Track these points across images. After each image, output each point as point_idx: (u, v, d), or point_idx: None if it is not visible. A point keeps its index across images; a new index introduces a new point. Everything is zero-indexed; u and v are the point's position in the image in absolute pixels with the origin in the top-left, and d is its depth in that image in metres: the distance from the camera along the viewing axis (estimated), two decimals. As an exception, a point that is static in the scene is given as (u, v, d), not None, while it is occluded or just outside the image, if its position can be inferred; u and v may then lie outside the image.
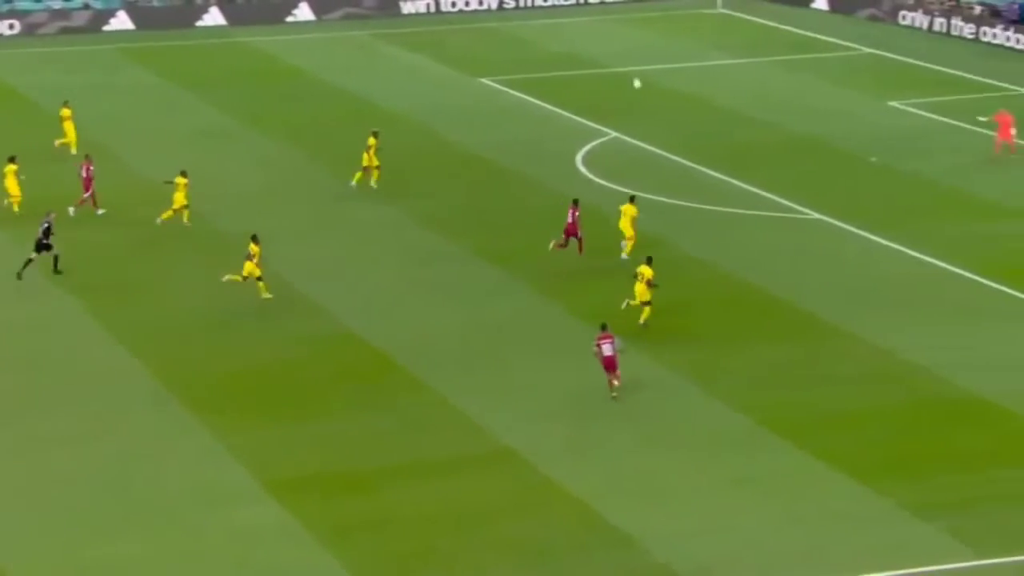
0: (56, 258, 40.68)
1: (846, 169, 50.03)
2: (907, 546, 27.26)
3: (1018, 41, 66.95)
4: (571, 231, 41.42)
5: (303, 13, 76.72)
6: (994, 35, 67.80)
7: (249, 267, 38.69)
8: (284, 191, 48.84)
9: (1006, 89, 60.50)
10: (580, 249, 41.43)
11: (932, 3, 71.93)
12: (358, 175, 47.86)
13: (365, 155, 47.69)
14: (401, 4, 77.70)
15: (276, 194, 48.38)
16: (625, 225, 41.71)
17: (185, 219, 44.36)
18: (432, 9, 77.93)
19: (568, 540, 27.79)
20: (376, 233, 44.82)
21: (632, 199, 42.41)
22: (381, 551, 27.47)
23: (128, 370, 35.20)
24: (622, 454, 30.93)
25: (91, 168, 45.65)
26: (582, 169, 50.80)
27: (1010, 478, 29.43)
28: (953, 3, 71.44)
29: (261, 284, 38.81)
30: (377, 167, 47.64)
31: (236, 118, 57.85)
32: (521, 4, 78.88)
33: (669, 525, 28.11)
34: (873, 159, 50.99)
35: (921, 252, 41.98)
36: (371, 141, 47.90)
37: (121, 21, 74.77)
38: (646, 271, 36.63)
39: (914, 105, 57.98)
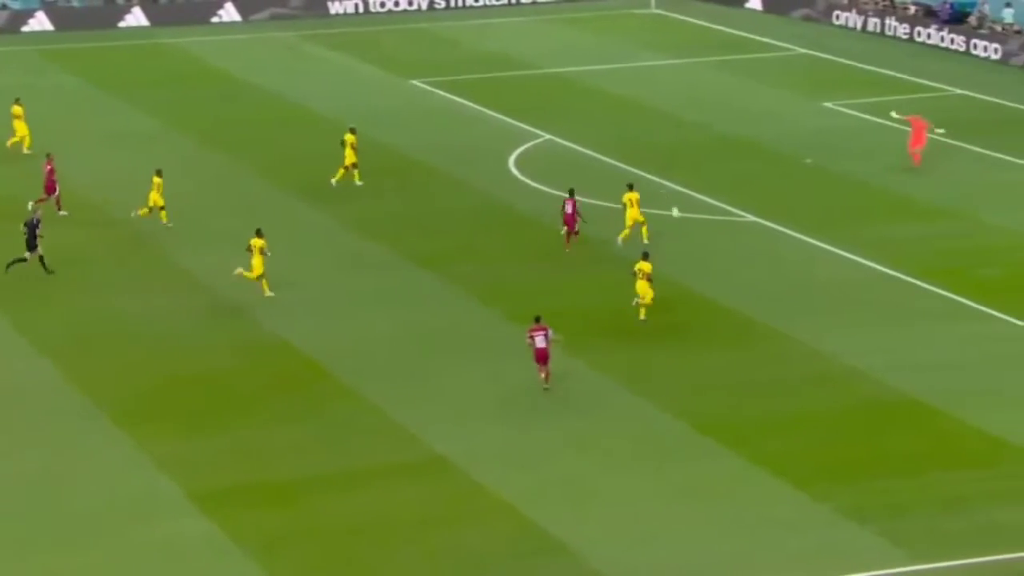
0: (42, 258, 40.67)
1: (781, 171, 50.43)
2: (843, 551, 27.50)
3: (952, 41, 67.75)
4: (570, 221, 42.20)
5: (229, 14, 76.38)
6: (928, 35, 68.57)
7: (257, 262, 38.89)
8: (210, 195, 48.58)
9: (940, 89, 61.21)
10: (574, 238, 42.20)
11: (866, 3, 72.65)
12: (340, 173, 48.22)
13: (348, 152, 48.05)
14: (329, 4, 77.52)
15: (202, 198, 48.11)
16: (634, 214, 42.37)
17: (164, 219, 44.48)
18: (361, 9, 77.80)
19: (502, 548, 27.82)
20: (306, 238, 44.67)
21: (631, 186, 43.00)
22: (310, 562, 27.38)
23: (51, 382, 34.88)
24: (557, 460, 31.00)
25: (52, 167, 45.64)
26: (515, 171, 50.90)
27: (945, 481, 29.76)
28: (887, 3, 72.18)
29: (254, 279, 39.11)
30: (355, 164, 48.04)
31: (161, 121, 57.50)
32: (451, 4, 78.92)
33: (604, 532, 28.20)
34: (808, 160, 51.41)
35: (856, 254, 42.39)
36: (349, 138, 48.29)
37: (40, 22, 74.13)
38: (646, 266, 37.09)
39: (848, 106, 58.53)
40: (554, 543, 27.81)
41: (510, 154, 52.45)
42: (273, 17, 76.56)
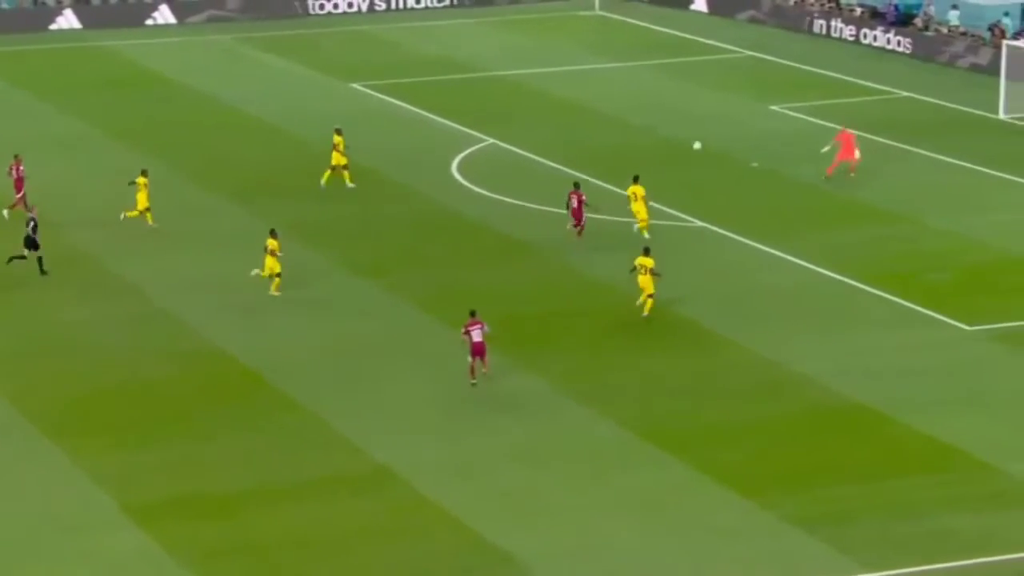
0: (40, 259, 41.16)
1: (728, 175, 50.65)
2: (791, 559, 27.66)
3: (898, 43, 68.33)
4: (577, 215, 43.12)
5: (164, 16, 75.97)
6: (875, 37, 69.11)
7: (271, 263, 39.22)
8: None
9: (887, 92, 61.70)
10: (581, 231, 43.30)
11: (812, 5, 73.15)
12: (327, 174, 48.48)
13: (334, 154, 48.27)
14: (268, 6, 77.26)
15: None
16: (640, 207, 43.24)
17: (149, 220, 44.67)
18: (300, 11, 77.59)
19: (447, 561, 27.80)
20: (243, 245, 44.45)
21: (636, 179, 43.70)
22: (251, 577, 27.28)
23: (-20, 392, 34.59)
24: (501, 470, 31.02)
25: (21, 168, 45.47)
26: (457, 176, 50.89)
27: (893, 487, 29.98)
28: (833, 5, 72.71)
29: (277, 280, 39.50)
30: (346, 166, 48.34)
31: (93, 125, 57.12)
32: (393, 6, 78.85)
33: (550, 543, 28.23)
34: (754, 164, 51.67)
35: (803, 259, 42.64)
36: (337, 139, 48.49)
37: (-34, 25, 73.47)
38: (648, 261, 37.62)
39: (795, 109, 58.89)
40: (499, 555, 27.81)
41: (453, 159, 52.44)
42: (210, 19, 76.17)
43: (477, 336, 34.10)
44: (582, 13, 78.53)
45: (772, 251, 43.36)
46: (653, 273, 37.69)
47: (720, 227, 44.81)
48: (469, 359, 34.36)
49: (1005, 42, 60.82)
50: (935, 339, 37.30)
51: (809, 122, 56.80)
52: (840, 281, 41.10)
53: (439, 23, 76.33)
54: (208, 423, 33.23)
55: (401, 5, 78.89)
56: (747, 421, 33.03)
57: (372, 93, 62.53)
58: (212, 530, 28.82)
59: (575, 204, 43.55)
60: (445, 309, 38.45)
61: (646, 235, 43.03)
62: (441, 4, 79.40)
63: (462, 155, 53.04)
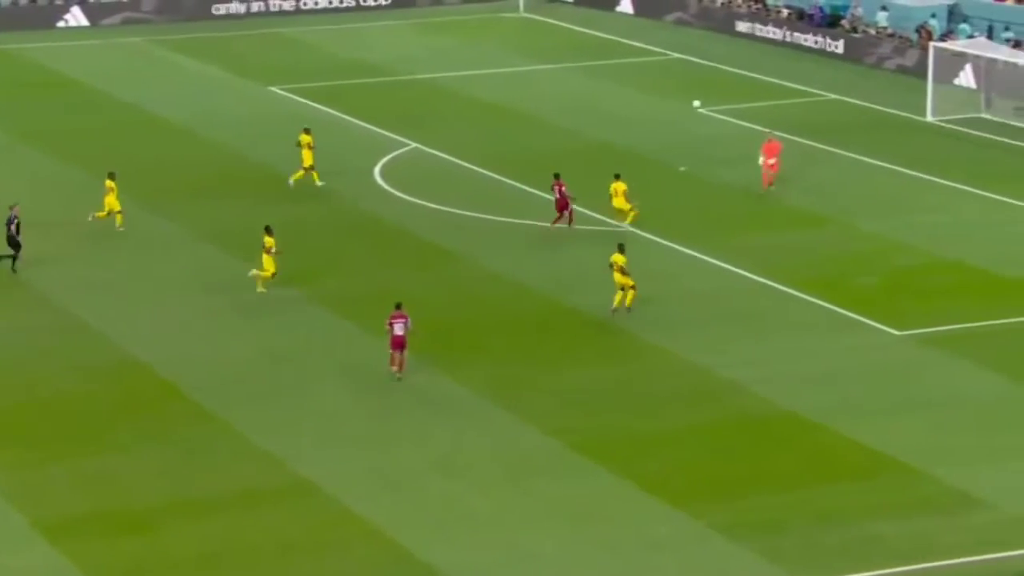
0: (14, 258, 41.60)
1: (655, 179, 50.82)
2: (721, 569, 27.77)
3: (824, 44, 68.90)
4: (562, 206, 44.39)
5: (76, 18, 75.29)
6: (804, 39, 69.61)
7: (268, 261, 39.49)
8: (55, 208, 47.76)
9: (814, 94, 62.21)
10: (570, 220, 44.71)
11: (740, 7, 73.61)
12: (299, 174, 48.80)
13: (304, 153, 48.72)
14: (183, 8, 76.76)
15: (50, 212, 47.26)
16: (620, 203, 44.65)
17: (118, 223, 44.78)
18: (218, 13, 77.14)
19: (370, 575, 27.66)
20: (160, 253, 44.16)
21: (617, 176, 45.12)
22: (168, 594, 27.06)
23: None
24: (426, 482, 30.95)
25: None
26: (380, 182, 50.78)
27: (823, 495, 30.18)
28: (760, 6, 73.22)
29: (268, 278, 39.74)
30: (311, 166, 48.83)
31: (3, 131, 56.48)
32: (312, 8, 78.58)
33: (477, 556, 28.20)
34: (682, 168, 51.91)
35: (730, 264, 42.87)
36: (305, 138, 48.87)
37: None
38: (619, 259, 38.61)
39: (722, 111, 59.24)
40: (424, 568, 27.74)
41: (375, 164, 52.31)
42: (125, 22, 75.60)
43: (399, 330, 34.78)
44: (506, 15, 78.60)
45: (699, 255, 43.56)
46: (623, 272, 38.64)
47: (647, 231, 44.97)
48: (390, 351, 34.87)
49: (932, 44, 61.50)
50: (864, 344, 37.61)
51: (736, 125, 57.15)
52: (768, 285, 41.36)
53: (359, 25, 76.14)
54: (122, 436, 32.94)
55: (320, 7, 78.64)
56: (675, 429, 33.14)
57: (291, 96, 62.27)
58: (127, 546, 28.55)
59: (557, 195, 44.62)
60: (368, 317, 38.29)
61: (626, 225, 44.49)
62: (364, 5, 79.21)
63: (385, 160, 52.93)
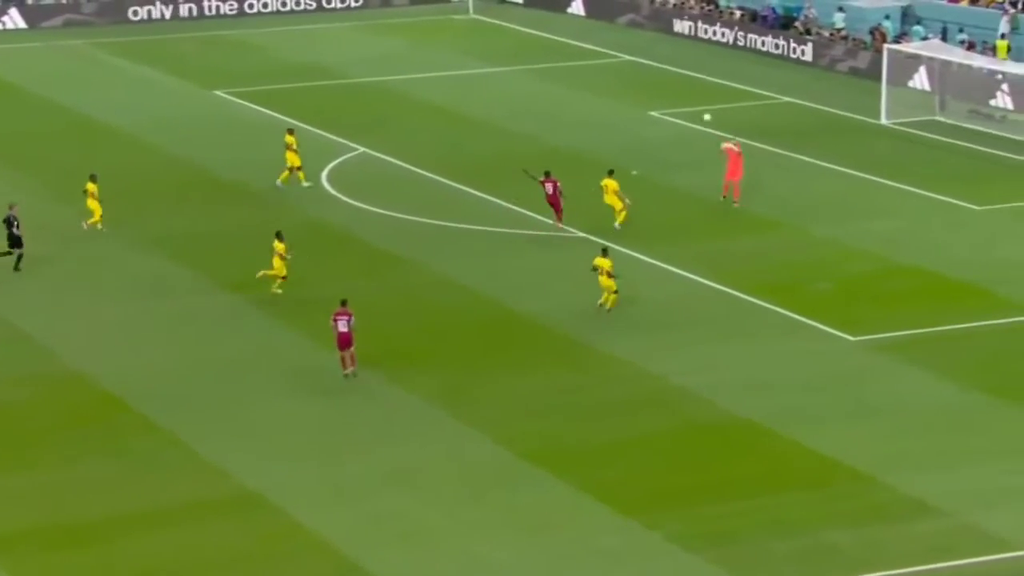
0: (19, 257, 42.35)
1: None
2: (674, 579, 28.00)
3: (776, 47, 69.35)
4: (554, 202, 44.91)
5: (14, 20, 74.91)
6: (762, 42, 70.00)
7: (278, 265, 40.03)
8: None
9: (768, 97, 62.62)
10: (559, 218, 45.23)
11: (692, 8, 73.98)
12: (284, 175, 49.31)
13: (288, 154, 49.34)
14: (127, 11, 76.51)
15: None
16: (612, 200, 45.16)
17: (98, 225, 45.25)
18: (161, 16, 76.92)
19: (318, 589, 27.79)
20: (101, 261, 44.04)
21: (611, 172, 45.77)
22: (113, 610, 27.05)
23: None
24: (375, 493, 31.02)
25: None
26: (328, 187, 50.80)
27: (777, 504, 30.42)
28: (712, 8, 73.60)
29: (280, 279, 40.35)
30: (299, 167, 49.47)
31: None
32: (259, 10, 78.46)
33: (427, 568, 28.29)
34: (634, 172, 52.09)
35: (684, 269, 43.12)
36: (290, 139, 49.46)
37: None
38: (604, 263, 39.11)
39: (674, 115, 59.55)
40: (373, 581, 27.83)
41: (323, 168, 52.32)
42: (66, 24, 75.30)
43: (343, 327, 35.24)
44: (456, 17, 78.72)
45: (651, 261, 43.78)
46: (610, 275, 39.06)
47: (600, 237, 45.15)
48: (338, 350, 35.38)
49: (886, 46, 62.02)
50: (818, 350, 37.90)
51: (689, 128, 57.45)
52: (721, 291, 41.62)
53: (307, 27, 76.08)
54: (66, 449, 32.84)
55: (267, 9, 78.53)
56: (628, 437, 33.32)
57: (237, 101, 62.19)
58: (71, 561, 28.50)
59: (550, 191, 45.10)
60: (315, 325, 38.31)
61: (616, 226, 45.00)
62: (310, 7, 79.13)
63: (332, 164, 52.94)
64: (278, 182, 49.61)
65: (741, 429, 33.65)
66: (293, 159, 49.62)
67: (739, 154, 48.54)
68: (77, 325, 39.39)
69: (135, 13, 76.33)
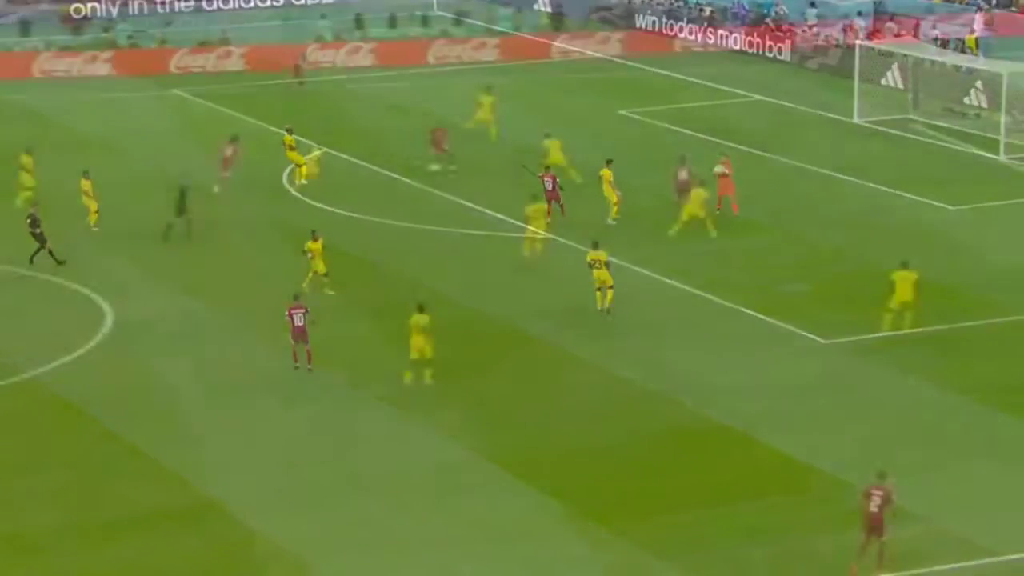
0: (39, 250, 43.04)
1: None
2: (647, 588, 27.94)
3: (748, 44, 69.47)
4: (552, 198, 45.41)
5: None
6: (735, 39, 70.11)
7: (317, 264, 40.32)
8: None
9: (739, 95, 62.71)
10: (562, 211, 45.71)
11: (661, 4, 74.08)
12: (301, 171, 49.88)
13: (291, 154, 49.87)
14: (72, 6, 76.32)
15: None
16: (608, 191, 45.83)
17: (92, 222, 45.50)
18: (105, 14, 76.75)
19: (280, 599, 27.67)
20: (55, 268, 43.71)
21: (609, 162, 46.63)
22: (67, 623, 26.87)
23: None
24: (340, 502, 30.88)
25: None
26: (288, 188, 50.66)
27: (749, 510, 30.37)
28: (681, 3, 73.69)
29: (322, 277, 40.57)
30: (299, 165, 50.00)
31: None
32: (219, 7, 78.24)
33: (392, 577, 28.23)
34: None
35: (655, 272, 43.09)
36: (288, 139, 49.86)
37: None
38: (600, 255, 39.28)
39: (644, 114, 59.57)
40: (337, 591, 27.72)
41: (284, 169, 52.12)
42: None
43: (298, 320, 35.81)
44: (421, 14, 78.64)
45: (622, 263, 43.69)
46: (606, 265, 39.29)
47: (566, 238, 45.10)
48: (291, 342, 35.78)
49: (858, 43, 62.16)
50: (792, 353, 37.92)
51: (659, 127, 57.48)
52: (693, 294, 41.61)
53: (263, 25, 75.88)
54: (19, 458, 32.61)
55: (231, 7, 78.42)
56: (597, 443, 33.26)
57: (192, 98, 61.95)
58: (24, 571, 28.29)
59: (549, 186, 45.48)
60: (274, 328, 38.11)
61: (610, 221, 45.39)
62: (263, 4, 79.09)
63: (293, 164, 52.71)
64: (298, 182, 49.83)
65: (715, 434, 33.63)
66: (297, 157, 49.98)
67: (729, 174, 47.97)
68: (31, 333, 39.12)
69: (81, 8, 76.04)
